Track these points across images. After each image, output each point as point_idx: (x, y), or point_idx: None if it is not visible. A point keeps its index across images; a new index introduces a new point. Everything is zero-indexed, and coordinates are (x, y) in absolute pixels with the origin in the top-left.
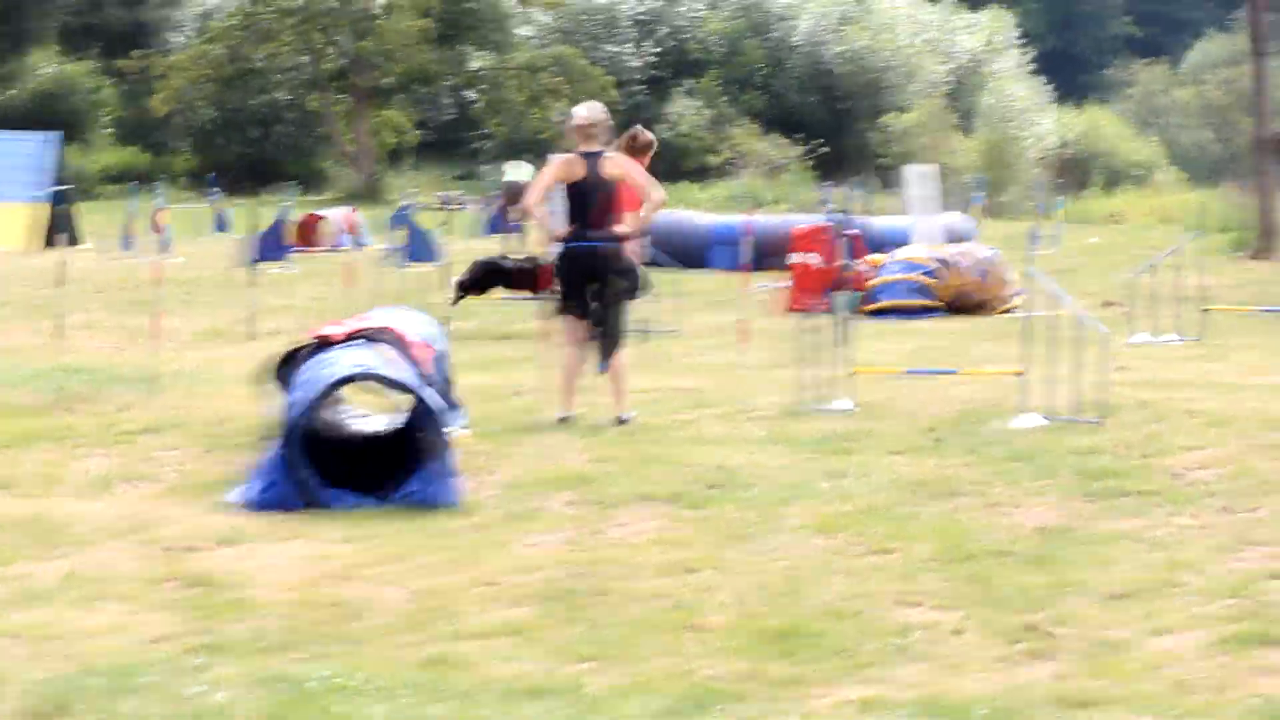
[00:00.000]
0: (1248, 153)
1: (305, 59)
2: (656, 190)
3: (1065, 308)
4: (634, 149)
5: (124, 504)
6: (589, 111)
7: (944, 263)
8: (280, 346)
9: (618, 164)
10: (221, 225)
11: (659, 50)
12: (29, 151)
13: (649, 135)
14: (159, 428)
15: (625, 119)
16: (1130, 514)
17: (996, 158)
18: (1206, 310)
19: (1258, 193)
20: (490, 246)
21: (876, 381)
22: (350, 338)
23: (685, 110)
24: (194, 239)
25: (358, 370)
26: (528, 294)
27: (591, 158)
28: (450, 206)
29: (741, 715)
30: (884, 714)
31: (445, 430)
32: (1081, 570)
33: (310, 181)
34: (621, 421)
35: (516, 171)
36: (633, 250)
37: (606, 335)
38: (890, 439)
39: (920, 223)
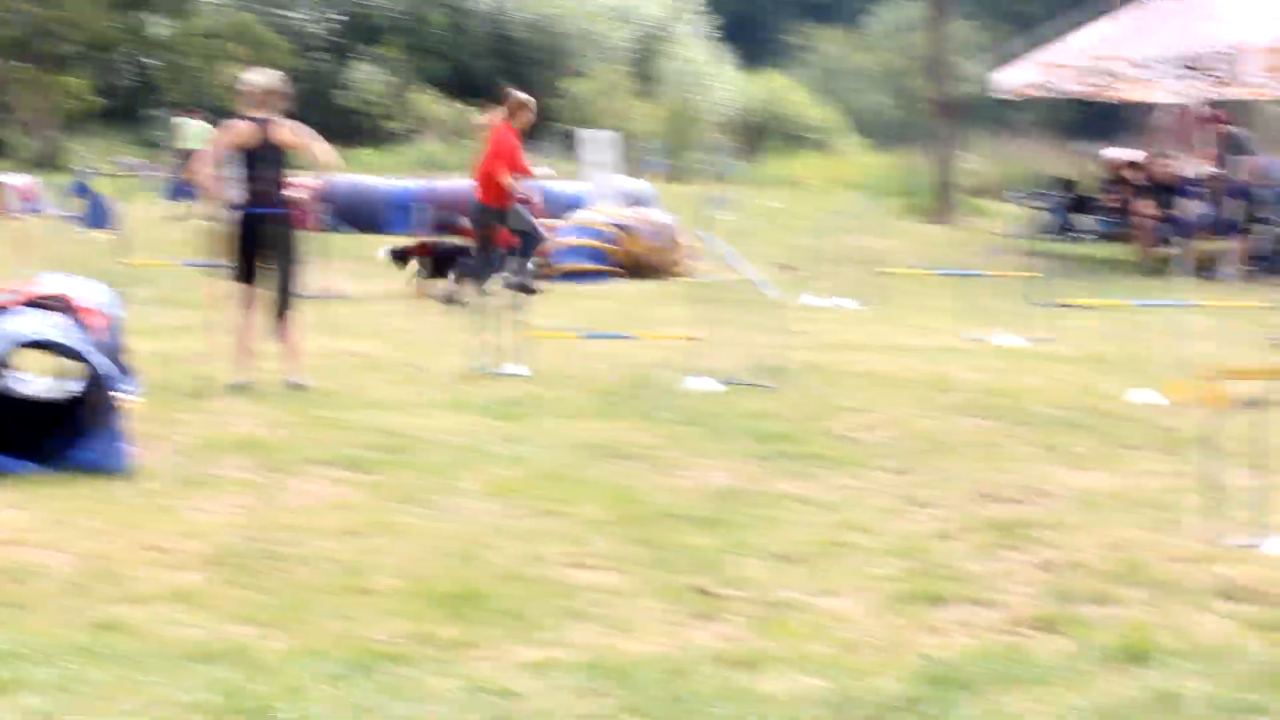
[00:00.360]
0: (926, 117)
1: None
2: (330, 155)
3: (739, 272)
4: (511, 111)
5: None
6: (262, 78)
7: (622, 227)
8: None
9: (290, 130)
10: None
11: (341, 17)
12: None
13: (521, 96)
14: None
15: (307, 86)
16: (801, 476)
17: (677, 123)
18: (880, 273)
19: (935, 157)
20: (173, 210)
21: (553, 346)
22: (21, 304)
23: (367, 77)
24: None
25: (29, 336)
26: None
27: (264, 124)
28: (130, 173)
29: (410, 678)
30: (553, 675)
31: (116, 396)
32: (752, 532)
33: None
34: (295, 386)
35: (190, 136)
36: (308, 215)
37: (280, 300)
38: (565, 403)
39: (598, 188)
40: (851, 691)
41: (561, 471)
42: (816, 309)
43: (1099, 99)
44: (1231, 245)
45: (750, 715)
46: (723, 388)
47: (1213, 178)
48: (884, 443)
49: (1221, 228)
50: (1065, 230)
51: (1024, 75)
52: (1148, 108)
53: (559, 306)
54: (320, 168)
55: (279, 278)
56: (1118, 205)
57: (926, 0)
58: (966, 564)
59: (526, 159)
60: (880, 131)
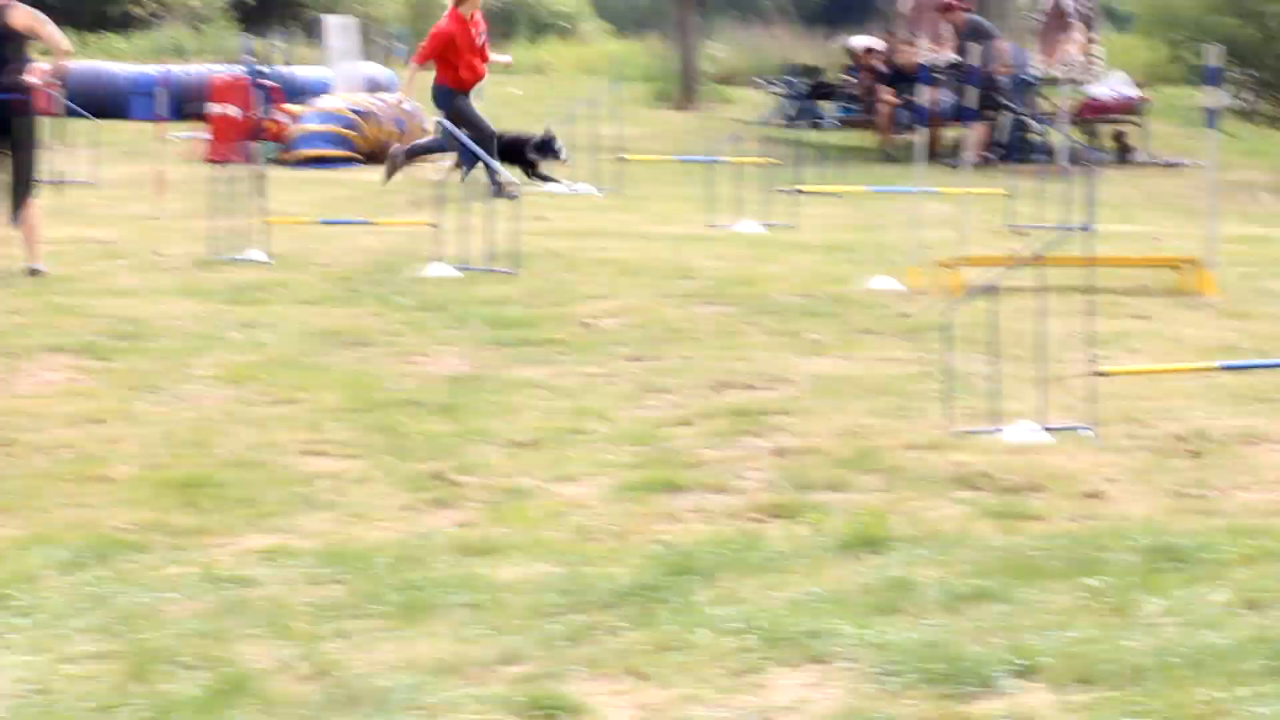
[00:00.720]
0: (670, 4)
1: None
2: (62, 40)
3: (480, 160)
4: None
5: None
6: None
7: (362, 114)
8: None
9: (25, 15)
10: None
11: None
12: None
13: None
14: None
15: None
16: (539, 362)
17: (422, 10)
18: (622, 159)
19: (679, 43)
20: None
21: (291, 232)
22: None
23: None
24: None
25: None
26: None
27: None
28: None
29: (144, 564)
30: (286, 562)
31: None
32: (489, 419)
33: None
34: (33, 272)
35: None
36: (44, 100)
37: (17, 186)
38: (303, 289)
39: (339, 74)
40: (587, 578)
41: (298, 358)
42: (560, 196)
43: None
44: (971, 132)
45: (485, 602)
46: (460, 274)
47: (952, 65)
48: (623, 330)
49: (961, 115)
50: (808, 117)
51: None
52: None
53: (298, 193)
54: (54, 53)
55: (16, 164)
56: (860, 92)
57: None
58: (704, 451)
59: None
60: (624, 17)
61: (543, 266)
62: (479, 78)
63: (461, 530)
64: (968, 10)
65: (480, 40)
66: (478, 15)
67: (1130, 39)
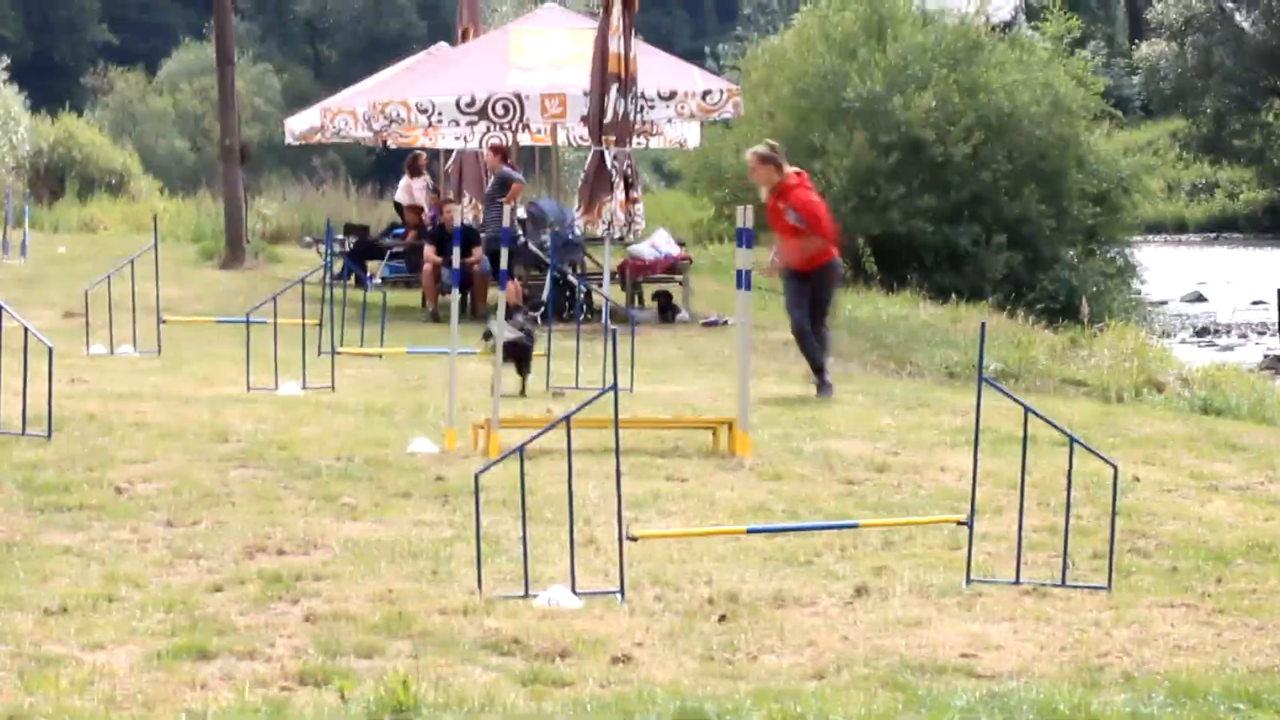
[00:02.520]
0: (218, 161)
1: None
2: None
3: (14, 319)
4: None
5: None
6: None
7: None
8: None
9: None
10: None
11: None
12: None
13: None
14: None
15: None
16: (72, 528)
17: None
18: (164, 321)
19: (226, 201)
20: None
21: None
22: None
23: None
24: None
25: None
26: None
27: None
28: None
29: None
30: None
31: None
32: (20, 585)
33: None
34: None
35: None
36: None
37: None
38: None
39: None
40: None
41: None
42: (103, 358)
43: (385, 143)
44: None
45: None
46: None
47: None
48: (158, 494)
49: (496, 275)
50: (353, 276)
51: (310, 120)
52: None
53: None
54: None
55: None
56: (404, 250)
57: (215, 42)
58: (235, 617)
59: None
60: (175, 175)
61: (77, 429)
62: None
63: None
64: (510, 166)
65: None
66: None
67: (678, 196)
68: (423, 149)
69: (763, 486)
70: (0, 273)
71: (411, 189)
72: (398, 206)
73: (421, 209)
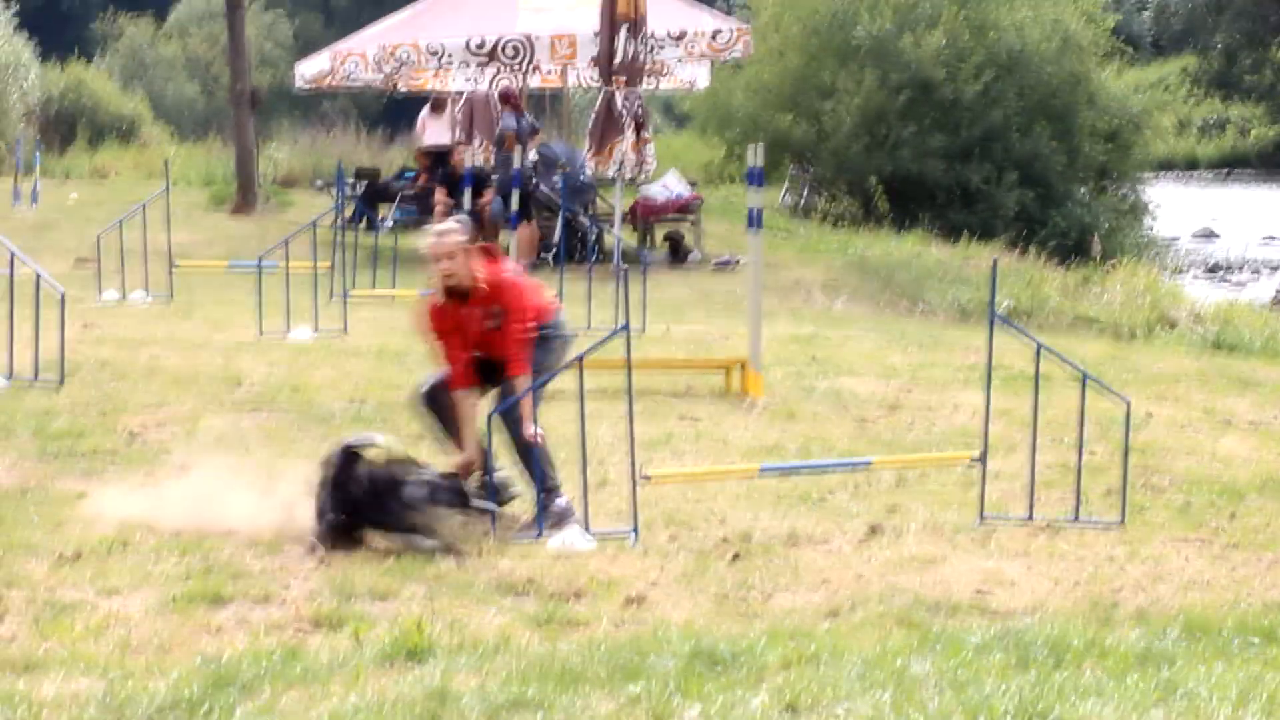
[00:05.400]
0: (229, 107)
1: None
2: None
3: (26, 266)
4: None
5: None
6: None
7: None
8: None
9: None
10: None
11: None
12: None
13: None
14: None
15: None
16: (86, 474)
17: None
18: (176, 267)
19: (237, 147)
20: None
21: None
22: None
23: None
24: None
25: None
26: None
27: None
28: None
29: None
30: None
31: None
32: (35, 531)
33: None
34: None
35: None
36: None
37: None
38: None
39: None
40: (128, 693)
41: None
42: (115, 304)
43: (395, 87)
44: (519, 236)
45: (24, 719)
46: (7, 384)
47: (496, 167)
48: (171, 438)
49: (509, 218)
50: (365, 220)
51: (320, 65)
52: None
53: None
54: None
55: None
56: (416, 194)
57: None
58: (250, 561)
59: None
60: (186, 121)
61: (90, 376)
62: None
63: (5, 646)
64: (519, 112)
65: None
66: None
67: (689, 138)
68: (437, 91)
69: (776, 426)
70: (12, 220)
71: (426, 124)
72: (409, 150)
73: (432, 152)
